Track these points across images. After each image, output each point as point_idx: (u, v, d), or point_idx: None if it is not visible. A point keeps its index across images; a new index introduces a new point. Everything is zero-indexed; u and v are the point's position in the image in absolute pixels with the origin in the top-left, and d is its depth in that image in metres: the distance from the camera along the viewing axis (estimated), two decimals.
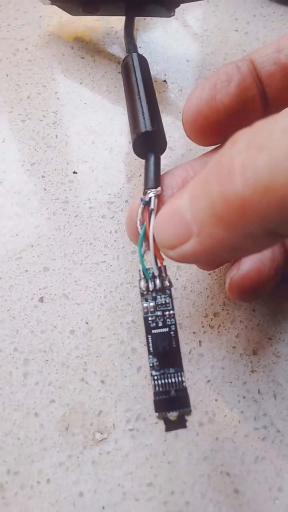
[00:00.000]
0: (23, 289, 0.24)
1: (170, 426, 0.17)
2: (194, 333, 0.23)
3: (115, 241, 0.25)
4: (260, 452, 0.20)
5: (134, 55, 0.27)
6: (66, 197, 0.27)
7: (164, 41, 0.34)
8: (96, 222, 0.26)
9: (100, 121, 0.30)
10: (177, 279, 0.24)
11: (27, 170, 0.28)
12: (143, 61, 0.26)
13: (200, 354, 0.22)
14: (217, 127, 0.20)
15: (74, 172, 0.28)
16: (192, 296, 0.24)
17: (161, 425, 0.21)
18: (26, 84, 0.31)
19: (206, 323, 0.23)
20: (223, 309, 0.23)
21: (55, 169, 0.28)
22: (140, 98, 0.23)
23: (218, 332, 0.23)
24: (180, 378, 0.17)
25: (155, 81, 0.31)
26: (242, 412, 0.21)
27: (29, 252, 0.25)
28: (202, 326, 0.23)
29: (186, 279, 0.24)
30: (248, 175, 0.12)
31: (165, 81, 0.32)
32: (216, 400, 0.21)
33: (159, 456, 0.20)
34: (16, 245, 0.25)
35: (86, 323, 0.23)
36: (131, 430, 0.21)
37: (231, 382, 0.22)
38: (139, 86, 0.24)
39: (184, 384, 0.17)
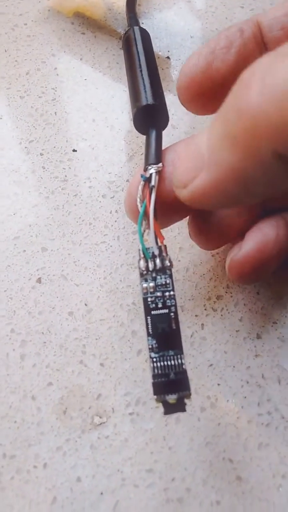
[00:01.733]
0: (20, 269, 0.23)
1: (169, 409, 0.17)
2: (196, 316, 0.22)
3: (115, 221, 0.24)
4: (263, 439, 0.20)
5: (136, 28, 0.25)
6: (65, 176, 0.26)
7: (168, 17, 0.32)
8: (96, 201, 0.25)
9: (100, 98, 0.29)
10: (179, 260, 0.23)
11: (25, 147, 0.27)
12: (145, 35, 0.25)
13: (203, 338, 0.22)
14: (212, 96, 0.18)
15: (74, 150, 0.27)
16: (195, 278, 0.23)
17: (162, 409, 0.20)
18: (25, 60, 0.30)
19: (209, 306, 0.22)
20: (226, 292, 0.23)
21: (54, 147, 0.27)
22: (141, 71, 0.22)
23: (221, 315, 0.22)
24: (180, 361, 0.17)
25: (158, 58, 0.30)
26: (245, 397, 0.20)
27: (27, 231, 0.24)
28: (205, 309, 0.22)
29: (188, 261, 0.23)
30: (266, 82, 0.11)
31: (168, 57, 0.30)
32: (218, 384, 0.21)
33: (159, 442, 0.20)
34: (14, 225, 0.24)
35: (85, 304, 0.22)
36: (130, 414, 0.20)
37: (234, 367, 0.21)
38: (141, 59, 0.23)
39: (183, 366, 0.17)
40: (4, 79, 0.29)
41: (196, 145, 0.15)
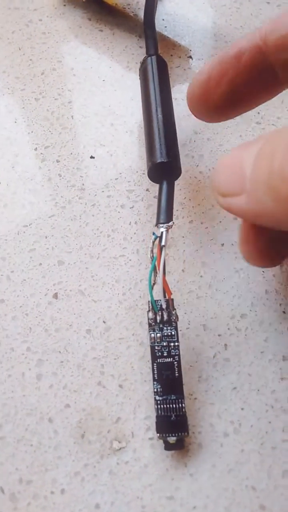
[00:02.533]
0: (36, 283, 0.22)
1: (169, 447, 0.19)
2: (219, 335, 0.21)
3: (134, 233, 0.24)
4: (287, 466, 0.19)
5: (154, 59, 0.25)
6: (83, 184, 0.25)
7: (190, 13, 0.31)
8: (114, 212, 0.24)
9: (119, 100, 0.27)
10: (201, 276, 0.22)
11: (41, 153, 0.26)
12: (163, 68, 0.25)
13: (226, 359, 0.21)
14: (223, 106, 0.19)
15: (91, 157, 0.26)
16: (218, 295, 0.22)
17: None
18: (40, 59, 0.29)
19: (232, 325, 0.21)
20: (250, 310, 0.22)
21: (71, 153, 0.26)
22: (157, 121, 0.22)
23: (245, 335, 0.21)
24: (180, 405, 0.19)
25: (179, 57, 0.29)
26: (270, 422, 0.20)
27: (43, 243, 0.23)
28: (228, 329, 0.21)
29: (211, 277, 0.22)
30: None
31: (190, 57, 0.29)
32: (242, 409, 0.20)
33: (180, 468, 0.19)
34: (29, 236, 0.23)
35: (104, 322, 0.22)
36: (150, 439, 0.19)
37: (258, 390, 0.20)
38: (157, 104, 0.23)
39: (183, 410, 0.19)
40: (19, 79, 0.28)
41: (242, 163, 0.14)
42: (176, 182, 0.24)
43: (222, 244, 0.23)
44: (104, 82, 0.28)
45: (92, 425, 0.20)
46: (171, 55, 0.29)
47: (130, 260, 0.23)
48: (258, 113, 0.27)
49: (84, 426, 0.20)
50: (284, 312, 0.22)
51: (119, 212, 0.24)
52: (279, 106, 0.27)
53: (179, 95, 0.27)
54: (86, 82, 0.28)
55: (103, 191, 0.25)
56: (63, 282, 0.22)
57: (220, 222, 0.24)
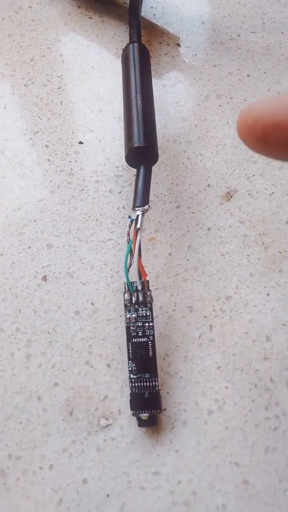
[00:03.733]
0: (25, 266, 0.23)
1: (143, 423, 0.19)
2: (205, 317, 0.22)
3: (122, 217, 0.24)
4: (271, 443, 0.19)
5: (135, 47, 0.25)
6: (71, 169, 0.25)
7: (178, 1, 0.31)
8: (103, 197, 0.24)
9: (108, 87, 0.28)
10: (188, 259, 0.23)
11: (30, 139, 0.26)
12: (144, 56, 0.25)
13: (211, 339, 0.21)
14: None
15: (80, 142, 0.26)
16: (203, 278, 0.22)
17: (169, 411, 0.20)
18: (30, 45, 0.29)
19: (217, 307, 0.22)
20: (235, 293, 0.22)
21: (60, 139, 0.26)
22: (137, 106, 0.22)
23: (230, 316, 0.22)
24: (154, 383, 0.19)
25: (168, 45, 0.29)
26: (253, 400, 0.20)
27: (32, 227, 0.24)
28: (214, 310, 0.22)
29: (197, 260, 0.23)
30: None
31: (178, 44, 0.29)
32: (226, 387, 0.20)
33: (166, 444, 0.19)
34: (18, 220, 0.24)
35: (92, 304, 0.22)
36: None
37: (242, 369, 0.21)
38: (137, 89, 0.23)
39: (157, 388, 0.19)
40: (8, 66, 0.28)
41: None
42: (163, 168, 0.25)
43: (209, 229, 0.24)
44: (93, 68, 0.28)
45: (80, 403, 0.20)
46: (160, 43, 0.29)
47: (118, 243, 0.23)
48: (245, 100, 0.27)
49: (72, 404, 0.20)
50: (268, 294, 0.22)
51: (107, 197, 0.24)
52: (266, 94, 0.27)
53: (167, 82, 0.28)
54: (75, 68, 0.28)
55: (91, 176, 0.25)
56: (52, 265, 0.23)
57: (207, 207, 0.24)
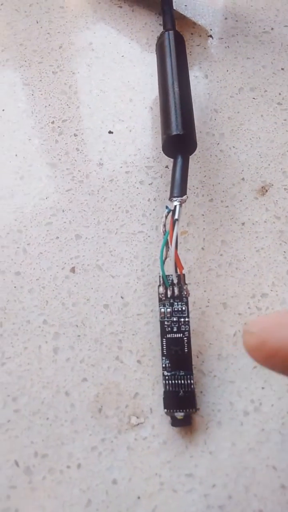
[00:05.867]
0: (53, 257, 0.22)
1: (177, 423, 0.19)
2: (239, 314, 0.21)
3: (153, 209, 0.23)
4: None
5: (171, 34, 0.24)
6: (101, 159, 0.24)
7: None
8: (133, 188, 0.24)
9: (139, 76, 0.27)
10: (221, 255, 0.22)
11: (58, 127, 0.25)
12: (180, 43, 0.24)
13: None
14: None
15: (110, 132, 0.25)
16: (238, 274, 0.22)
17: (202, 411, 0.19)
18: (58, 32, 0.29)
19: (253, 304, 0.21)
20: (271, 290, 0.21)
21: (89, 128, 0.25)
22: (174, 93, 0.22)
23: (266, 314, 0.21)
24: (189, 381, 0.18)
25: (200, 36, 0.29)
26: None
27: (60, 217, 0.23)
28: (249, 307, 0.21)
29: (231, 255, 0.22)
30: None
31: (210, 36, 0.29)
32: (263, 388, 0.19)
33: (200, 445, 0.19)
34: (46, 209, 0.23)
35: (122, 297, 0.21)
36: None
37: None
38: (174, 77, 0.22)
39: (192, 386, 0.18)
40: (36, 53, 0.28)
41: None
42: (196, 160, 0.24)
43: (243, 223, 0.23)
44: (123, 58, 0.28)
45: (109, 400, 0.19)
46: (191, 34, 0.29)
47: (148, 236, 0.22)
48: (280, 94, 0.26)
49: (101, 400, 0.19)
50: None
51: (137, 188, 0.24)
52: None
53: (199, 73, 0.27)
54: (105, 57, 0.28)
55: (121, 167, 0.24)
56: (80, 256, 0.22)
57: (241, 201, 0.23)
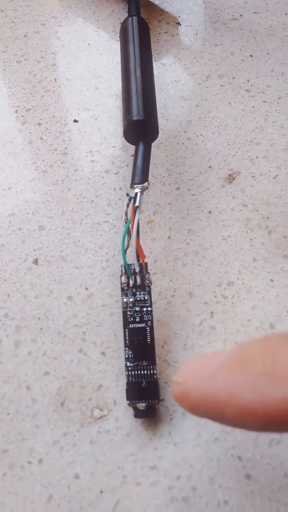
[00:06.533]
0: (15, 249, 0.21)
1: (139, 414, 0.18)
2: (205, 303, 0.20)
3: (119, 199, 0.23)
4: (275, 435, 0.18)
5: (135, 20, 0.24)
6: (65, 148, 0.24)
7: None
8: (98, 177, 0.23)
9: (105, 64, 0.26)
10: (187, 243, 0.22)
11: (22, 116, 0.25)
12: (143, 29, 0.24)
13: (212, 327, 0.20)
14: None
15: (75, 121, 0.25)
16: (204, 262, 0.21)
17: (167, 402, 0.19)
18: (23, 21, 0.28)
19: (219, 293, 0.21)
20: (238, 278, 0.21)
21: (53, 117, 0.25)
22: (136, 79, 0.21)
23: (232, 303, 0.20)
24: (152, 371, 0.18)
25: (168, 23, 0.28)
26: None
27: (23, 208, 0.22)
28: (215, 296, 0.21)
29: (198, 244, 0.22)
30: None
31: (178, 23, 0.28)
32: None
33: (164, 437, 0.18)
34: (8, 200, 0.22)
35: (86, 288, 0.21)
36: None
37: None
38: (136, 63, 0.22)
39: (155, 376, 0.18)
40: (0, 42, 0.27)
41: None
42: (163, 148, 0.24)
43: (210, 212, 0.22)
44: (89, 46, 0.27)
45: (72, 393, 0.19)
46: (159, 21, 0.28)
47: (114, 226, 0.22)
48: (248, 80, 0.26)
49: (64, 394, 0.19)
50: (271, 280, 0.21)
51: (103, 177, 0.23)
52: (269, 75, 0.26)
53: (167, 60, 0.27)
54: (71, 45, 0.27)
55: (86, 156, 0.24)
56: (43, 247, 0.21)
57: (208, 189, 0.23)
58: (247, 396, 0.11)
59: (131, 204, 0.19)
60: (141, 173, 0.19)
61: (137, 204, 0.19)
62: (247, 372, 0.11)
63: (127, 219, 0.19)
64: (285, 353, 0.11)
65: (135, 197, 0.19)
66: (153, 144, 0.24)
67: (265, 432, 0.12)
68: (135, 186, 0.19)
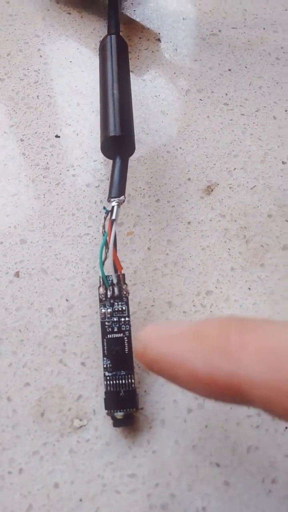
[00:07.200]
0: None
1: (118, 423, 0.18)
2: (184, 312, 0.21)
3: (100, 212, 0.23)
4: (253, 442, 0.18)
5: (113, 38, 0.24)
6: (47, 163, 0.24)
7: None
8: (79, 191, 0.24)
9: (86, 81, 0.27)
10: (167, 254, 0.22)
11: (5, 132, 0.25)
12: (122, 48, 0.24)
13: None
14: None
15: (57, 136, 0.25)
16: (183, 272, 0.22)
17: (146, 411, 0.19)
18: (7, 40, 0.29)
19: (197, 302, 0.21)
20: (216, 287, 0.21)
21: (36, 132, 0.25)
22: (113, 95, 0.22)
23: (211, 311, 0.21)
24: (130, 380, 0.18)
25: (148, 40, 0.29)
26: None
27: (5, 222, 0.23)
28: (194, 305, 0.21)
29: (177, 254, 0.22)
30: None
31: (158, 39, 0.29)
32: None
33: (143, 445, 0.18)
34: None
35: (66, 300, 0.21)
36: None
37: None
38: (114, 79, 0.22)
39: (133, 386, 0.18)
40: None
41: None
42: (143, 162, 0.24)
43: (189, 222, 0.23)
44: (71, 63, 0.28)
45: (52, 404, 0.19)
46: (140, 38, 0.29)
47: (95, 238, 0.23)
48: (226, 94, 0.27)
49: (44, 404, 0.19)
50: (249, 288, 0.21)
51: (84, 191, 0.24)
52: (247, 88, 0.27)
53: (147, 76, 0.27)
54: (53, 63, 0.28)
55: (68, 170, 0.24)
56: (25, 260, 0.22)
57: (187, 200, 0.23)
58: (197, 363, 0.12)
59: (108, 217, 0.19)
60: (117, 187, 0.20)
61: (113, 217, 0.19)
62: (203, 343, 0.12)
63: (104, 231, 0.19)
64: (240, 335, 0.11)
65: (111, 210, 0.19)
66: (133, 157, 0.24)
67: (211, 400, 0.12)
68: (112, 199, 0.19)
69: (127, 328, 0.19)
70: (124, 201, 0.20)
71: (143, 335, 0.13)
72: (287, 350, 0.11)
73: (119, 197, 0.20)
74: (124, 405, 0.18)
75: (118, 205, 0.19)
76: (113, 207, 0.19)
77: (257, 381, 0.11)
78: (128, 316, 0.19)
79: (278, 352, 0.11)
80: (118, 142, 0.21)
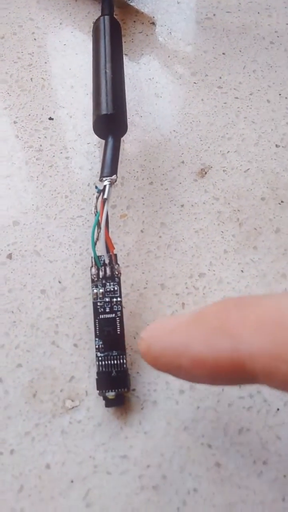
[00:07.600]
0: None
1: (109, 403, 0.18)
2: (177, 294, 0.21)
3: (93, 194, 0.23)
4: (244, 423, 0.18)
5: (106, 19, 0.24)
6: (40, 145, 0.24)
7: None
8: (72, 173, 0.24)
9: (80, 64, 0.27)
10: (160, 237, 0.22)
11: None
12: (115, 28, 0.24)
13: None
14: None
15: (50, 119, 0.25)
16: (176, 255, 0.22)
17: (138, 392, 0.19)
18: (1, 23, 0.28)
19: (190, 284, 0.21)
20: (209, 270, 0.21)
21: (29, 115, 0.25)
22: (106, 74, 0.22)
23: (203, 293, 0.21)
24: (122, 361, 0.18)
25: (142, 23, 0.29)
26: None
27: None
28: (186, 287, 0.21)
29: (170, 237, 0.22)
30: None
31: (153, 23, 0.29)
32: None
33: (135, 426, 0.18)
34: None
35: (59, 282, 0.21)
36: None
37: None
38: (107, 59, 0.22)
39: (124, 366, 0.18)
40: None
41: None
42: (136, 145, 0.24)
43: (182, 205, 0.23)
44: (66, 46, 0.28)
45: (44, 385, 0.19)
46: (134, 21, 0.29)
47: (88, 220, 0.22)
48: (220, 77, 0.26)
49: (36, 385, 0.19)
50: (242, 271, 0.21)
51: (77, 173, 0.24)
52: (241, 72, 0.27)
53: (141, 59, 0.27)
54: (47, 46, 0.28)
55: (61, 153, 0.24)
56: (17, 242, 0.22)
57: (180, 183, 0.23)
58: (199, 347, 0.12)
59: (100, 197, 0.19)
60: (109, 166, 0.20)
61: (105, 196, 0.19)
62: (202, 326, 0.12)
63: (96, 211, 0.19)
64: (237, 312, 0.11)
65: (103, 190, 0.19)
66: (127, 140, 0.24)
67: (216, 385, 0.13)
68: (104, 178, 0.19)
69: (119, 309, 0.19)
70: (116, 180, 0.19)
71: (146, 334, 0.13)
72: (284, 318, 0.11)
73: (111, 176, 0.19)
74: (116, 385, 0.18)
75: (110, 184, 0.19)
76: (105, 186, 0.19)
77: (258, 352, 0.11)
78: (120, 297, 0.19)
79: (275, 321, 0.11)
80: (110, 121, 0.21)
